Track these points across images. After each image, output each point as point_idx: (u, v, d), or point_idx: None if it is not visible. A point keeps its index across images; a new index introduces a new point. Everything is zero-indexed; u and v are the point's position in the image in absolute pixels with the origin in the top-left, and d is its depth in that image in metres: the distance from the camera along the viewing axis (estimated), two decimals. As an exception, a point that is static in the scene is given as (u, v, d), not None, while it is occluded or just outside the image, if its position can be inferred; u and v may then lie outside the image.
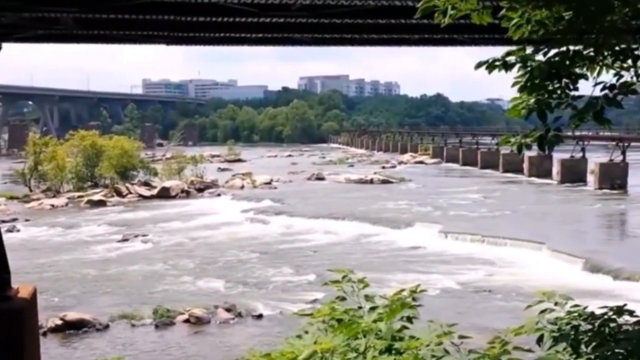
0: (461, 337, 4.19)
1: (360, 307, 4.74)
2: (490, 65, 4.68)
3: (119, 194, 58.07)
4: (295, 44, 11.23)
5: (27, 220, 45.21)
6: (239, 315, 23.55)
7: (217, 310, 23.61)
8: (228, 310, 23.67)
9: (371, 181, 69.66)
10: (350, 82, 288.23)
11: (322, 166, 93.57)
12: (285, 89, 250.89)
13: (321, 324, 4.44)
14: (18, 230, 39.97)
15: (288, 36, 10.38)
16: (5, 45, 11.02)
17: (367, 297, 4.81)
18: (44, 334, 20.83)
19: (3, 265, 11.34)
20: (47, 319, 21.82)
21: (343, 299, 4.83)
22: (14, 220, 43.85)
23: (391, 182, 68.57)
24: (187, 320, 23.00)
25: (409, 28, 9.75)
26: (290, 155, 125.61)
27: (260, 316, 23.62)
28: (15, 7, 7.99)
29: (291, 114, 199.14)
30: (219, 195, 60.25)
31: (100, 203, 54.08)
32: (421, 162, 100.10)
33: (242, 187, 65.57)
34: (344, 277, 4.90)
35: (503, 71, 4.66)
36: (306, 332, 4.37)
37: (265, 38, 10.47)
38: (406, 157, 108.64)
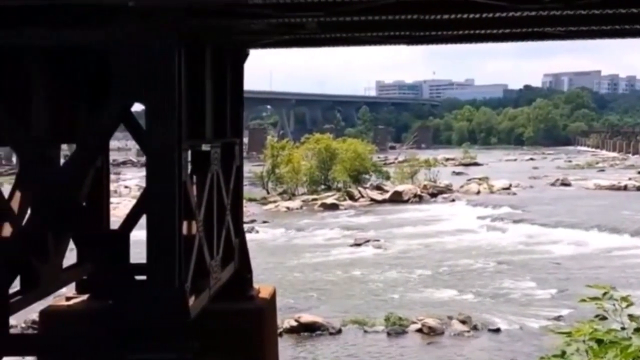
0: None
1: (623, 328, 4.46)
2: None
3: (352, 197, 59.89)
4: (545, 39, 10.86)
5: (264, 222, 48.24)
6: (475, 328, 23.23)
7: (452, 322, 23.48)
8: (463, 322, 23.45)
9: (625, 187, 65.25)
10: (601, 79, 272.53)
11: (568, 170, 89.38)
12: (527, 88, 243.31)
13: (581, 344, 4.24)
14: (256, 232, 42.84)
15: (538, 30, 10.08)
16: (251, 51, 11.90)
17: (632, 317, 4.51)
18: (280, 334, 22.09)
19: (246, 265, 12.21)
20: (282, 319, 23.10)
21: (603, 318, 4.58)
22: (253, 221, 46.98)
23: (650, 189, 63.71)
24: (419, 330, 23.12)
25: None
26: (531, 159, 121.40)
27: (497, 330, 23.11)
28: (264, 14, 8.59)
29: (533, 114, 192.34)
30: (453, 200, 59.88)
31: (333, 206, 56.16)
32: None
33: (478, 192, 64.59)
34: (604, 294, 4.63)
35: None
36: (563, 352, 4.20)
37: (512, 34, 10.26)
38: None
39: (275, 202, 58.78)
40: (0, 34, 7.71)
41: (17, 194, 9.21)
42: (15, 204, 9.11)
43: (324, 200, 57.85)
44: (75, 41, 7.85)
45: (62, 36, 7.74)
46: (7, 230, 8.71)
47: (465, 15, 8.97)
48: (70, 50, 8.85)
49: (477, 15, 8.97)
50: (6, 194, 9.25)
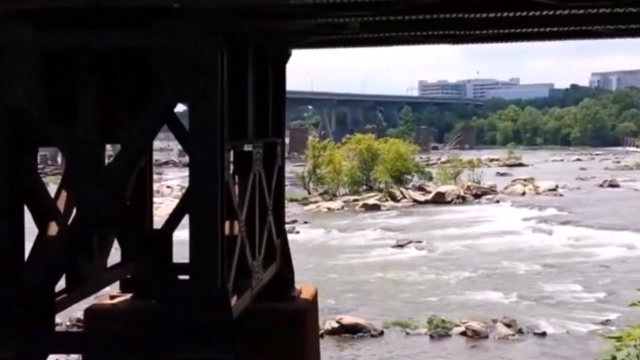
0: None
1: (675, 333, 4.37)
2: None
3: (393, 198, 59.73)
4: (593, 37, 10.70)
5: (305, 222, 48.37)
6: (520, 331, 22.98)
7: (496, 325, 23.26)
8: (508, 325, 23.22)
9: (675, 190, 63.95)
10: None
11: (616, 172, 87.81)
12: (574, 87, 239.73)
13: (632, 349, 4.17)
14: (297, 232, 42.97)
15: (586, 29, 9.93)
16: (293, 51, 11.96)
17: (684, 323, 4.42)
18: (321, 335, 22.12)
19: (287, 266, 12.26)
20: (324, 320, 23.13)
21: (655, 322, 4.49)
22: (294, 222, 47.18)
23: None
24: (463, 333, 22.96)
25: None
26: (578, 160, 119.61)
27: (543, 334, 22.83)
28: (307, 14, 8.62)
29: (580, 114, 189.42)
30: (497, 201, 59.36)
31: (375, 207, 56.07)
32: None
33: (523, 193, 63.91)
34: (655, 297, 4.54)
35: None
36: (613, 358, 4.13)
37: (559, 32, 10.14)
38: None
39: (316, 202, 58.91)
40: (49, 37, 7.88)
41: (63, 194, 9.39)
42: (61, 204, 9.29)
43: (366, 201, 57.80)
44: (121, 43, 7.98)
45: (109, 38, 7.88)
46: (53, 229, 8.89)
47: (511, 14, 8.89)
48: (116, 52, 9.00)
49: (524, 14, 8.88)
50: (52, 194, 9.44)
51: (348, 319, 23.67)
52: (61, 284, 9.03)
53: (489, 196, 61.51)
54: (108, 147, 10.87)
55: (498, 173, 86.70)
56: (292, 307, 11.76)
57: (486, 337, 22.68)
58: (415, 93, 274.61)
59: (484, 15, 8.98)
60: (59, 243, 8.52)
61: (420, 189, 62.95)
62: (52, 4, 7.68)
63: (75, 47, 8.28)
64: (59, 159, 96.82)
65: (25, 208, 8.48)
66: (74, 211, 9.15)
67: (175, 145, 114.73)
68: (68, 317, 21.48)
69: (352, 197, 60.99)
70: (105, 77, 9.66)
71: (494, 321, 23.54)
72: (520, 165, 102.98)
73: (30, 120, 7.95)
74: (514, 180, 72.25)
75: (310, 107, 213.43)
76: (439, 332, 23.00)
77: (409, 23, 9.39)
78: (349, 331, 23.11)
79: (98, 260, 10.09)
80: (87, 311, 11.19)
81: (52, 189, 9.72)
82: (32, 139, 8.37)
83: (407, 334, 23.21)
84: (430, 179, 67.58)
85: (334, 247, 39.61)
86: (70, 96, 9.11)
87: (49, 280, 8.25)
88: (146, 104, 8.29)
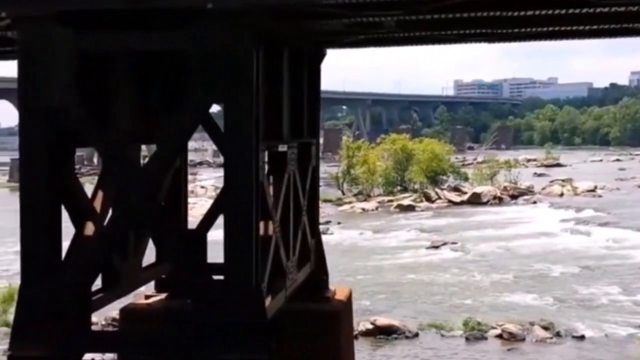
0: None
1: None
2: None
3: (428, 199, 59.45)
4: (634, 35, 10.53)
5: (339, 223, 48.35)
6: (557, 334, 22.71)
7: (533, 327, 23.01)
8: (545, 328, 22.96)
9: None
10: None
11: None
12: (613, 86, 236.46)
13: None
14: (331, 233, 42.99)
15: (626, 26, 9.78)
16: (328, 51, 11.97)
17: None
18: (356, 336, 22.09)
19: (322, 267, 12.28)
20: (358, 322, 23.09)
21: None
22: (328, 222, 47.19)
23: None
24: (499, 336, 22.74)
25: None
26: (618, 160, 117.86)
27: (582, 337, 22.52)
28: (342, 14, 8.63)
29: (620, 114, 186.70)
30: (534, 202, 58.77)
31: (409, 208, 55.87)
32: None
33: (561, 194, 63.23)
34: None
35: None
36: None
37: (598, 30, 10.01)
38: None
39: (350, 203, 58.87)
40: (87, 38, 7.99)
41: (100, 194, 9.51)
42: (97, 204, 9.41)
43: (400, 202, 57.63)
44: (157, 44, 8.06)
45: (146, 40, 7.97)
46: (90, 229, 9.00)
47: (549, 12, 8.79)
48: (152, 52, 9.09)
49: (563, 12, 8.78)
50: (88, 194, 9.56)
51: (382, 320, 23.60)
52: (97, 284, 9.14)
53: (526, 197, 60.95)
54: (142, 147, 10.99)
55: (535, 174, 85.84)
56: (326, 308, 11.78)
57: (523, 339, 22.45)
58: (450, 93, 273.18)
59: (522, 13, 8.89)
60: (96, 243, 8.63)
61: (456, 189, 62.58)
62: (90, 5, 7.78)
63: (113, 49, 8.38)
64: (95, 160, 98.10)
65: (62, 208, 8.61)
66: (110, 211, 9.27)
67: (210, 146, 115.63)
68: (103, 316, 21.74)
69: (386, 198, 60.84)
70: (141, 77, 9.77)
71: (531, 324, 23.29)
72: (558, 165, 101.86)
73: (68, 121, 8.06)
74: (551, 181, 71.51)
75: (344, 107, 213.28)
76: (475, 334, 22.83)
77: (445, 22, 9.35)
78: (384, 332, 23.03)
79: (133, 259, 10.20)
80: (123, 311, 11.32)
81: (88, 189, 9.85)
82: (69, 140, 8.49)
83: (443, 336, 23.07)
84: (466, 179, 67.14)
85: (368, 248, 39.53)
86: (106, 97, 9.23)
87: (86, 279, 8.36)
88: (182, 105, 8.36)
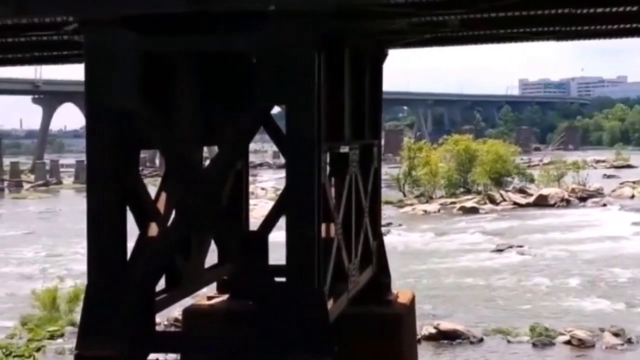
0: None
1: None
2: None
3: (492, 201, 58.76)
4: None
5: (400, 225, 48.15)
6: (629, 341, 22.18)
7: (603, 334, 22.52)
8: (616, 334, 22.44)
9: None
10: None
11: None
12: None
13: None
14: (393, 235, 42.81)
15: None
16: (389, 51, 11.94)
17: None
18: (418, 340, 21.95)
19: (384, 269, 12.24)
20: (421, 326, 22.94)
21: None
22: (389, 224, 47.02)
23: None
24: (568, 342, 22.32)
25: None
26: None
27: (655, 345, 21.98)
28: (406, 13, 8.59)
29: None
30: (604, 205, 57.54)
31: (473, 210, 55.33)
32: None
33: (632, 196, 61.84)
34: None
35: None
36: None
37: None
38: None
39: (411, 205, 58.61)
40: (151, 41, 8.15)
41: (163, 195, 9.67)
42: (161, 205, 9.57)
43: (463, 204, 57.14)
44: (220, 46, 8.17)
45: (209, 42, 8.09)
46: (154, 230, 9.16)
47: (621, 8, 8.59)
48: (214, 54, 9.22)
49: (634, 8, 8.57)
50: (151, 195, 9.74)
51: (446, 325, 23.40)
52: (160, 284, 9.30)
53: (595, 199, 59.69)
54: (204, 149, 11.12)
55: (605, 175, 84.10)
56: (389, 311, 11.74)
57: (592, 346, 21.99)
58: (515, 92, 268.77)
59: (593, 10, 8.71)
60: (159, 244, 8.78)
61: (521, 191, 61.72)
62: (154, 9, 7.94)
63: (177, 51, 8.53)
64: (157, 161, 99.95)
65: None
66: (173, 212, 9.42)
67: (270, 147, 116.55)
68: (166, 316, 22.11)
69: (449, 200, 60.39)
70: (203, 79, 9.90)
71: (601, 330, 22.81)
72: (629, 166, 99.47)
73: (133, 123, 8.23)
74: (622, 183, 69.95)
75: (405, 107, 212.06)
76: (542, 340, 22.46)
77: (512, 20, 9.21)
78: (447, 337, 22.84)
79: (196, 260, 10.33)
80: (185, 311, 11.49)
81: (150, 191, 10.03)
82: (135, 142, 8.66)
83: (509, 341, 22.76)
84: (532, 181, 66.16)
85: (430, 251, 39.28)
86: (170, 99, 9.38)
87: (150, 280, 8.51)
88: (244, 106, 8.45)
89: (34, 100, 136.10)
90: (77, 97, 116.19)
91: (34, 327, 10.44)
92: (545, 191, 60.06)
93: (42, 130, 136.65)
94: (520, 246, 39.16)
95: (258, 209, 36.98)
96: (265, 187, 70.08)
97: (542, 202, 57.46)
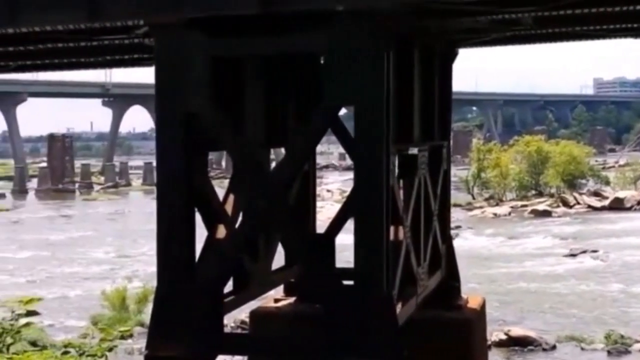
0: None
1: None
2: None
3: (566, 204, 57.66)
4: None
5: (470, 228, 47.65)
6: None
7: (684, 343, 21.89)
8: (697, 344, 21.77)
9: None
10: None
11: None
12: None
13: None
14: (462, 238, 42.38)
15: None
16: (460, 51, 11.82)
17: None
18: (489, 347, 21.66)
19: (453, 274, 12.11)
20: (491, 331, 22.62)
21: None
22: (457, 227, 46.57)
23: None
24: (645, 350, 21.77)
25: None
26: None
27: None
28: (478, 11, 8.49)
29: None
30: (683, 208, 55.85)
31: (545, 213, 54.38)
32: None
33: None
34: None
35: None
36: None
37: None
38: None
39: (481, 207, 57.94)
40: (219, 44, 8.27)
41: (231, 197, 9.79)
42: (229, 207, 9.69)
43: (535, 207, 56.22)
44: (288, 48, 8.23)
45: (277, 44, 8.14)
46: (222, 232, 9.28)
47: None
48: (282, 56, 9.28)
49: None
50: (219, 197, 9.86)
51: (517, 331, 23.06)
52: (228, 286, 9.41)
53: (674, 203, 57.93)
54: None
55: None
56: (458, 316, 11.60)
57: (672, 355, 21.37)
58: (589, 91, 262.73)
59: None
60: (227, 245, 8.88)
61: (596, 194, 60.40)
62: (222, 11, 8.04)
63: (245, 54, 8.62)
64: (223, 163, 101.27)
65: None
66: (241, 214, 9.52)
67: (336, 149, 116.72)
68: (232, 318, 22.37)
69: (519, 203, 59.50)
70: (271, 81, 9.98)
71: (682, 338, 22.15)
72: None
73: (202, 125, 8.35)
74: (703, 185, 67.60)
75: (474, 108, 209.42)
76: (618, 347, 21.93)
77: (588, 17, 9.00)
78: (518, 344, 22.50)
79: (263, 263, 10.42)
80: (253, 313, 11.60)
81: (217, 192, 10.16)
82: (203, 144, 8.79)
83: (582, 349, 22.30)
84: (607, 183, 64.64)
85: (501, 255, 38.74)
86: (239, 101, 9.49)
87: (218, 281, 8.62)
88: (312, 108, 8.47)
89: (104, 103, 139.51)
90: (146, 99, 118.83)
91: (106, 327, 10.66)
92: (621, 194, 58.66)
93: (111, 133, 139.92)
94: (595, 251, 38.31)
95: (324, 211, 37.06)
96: (331, 189, 70.23)
97: (617, 206, 56.15)
